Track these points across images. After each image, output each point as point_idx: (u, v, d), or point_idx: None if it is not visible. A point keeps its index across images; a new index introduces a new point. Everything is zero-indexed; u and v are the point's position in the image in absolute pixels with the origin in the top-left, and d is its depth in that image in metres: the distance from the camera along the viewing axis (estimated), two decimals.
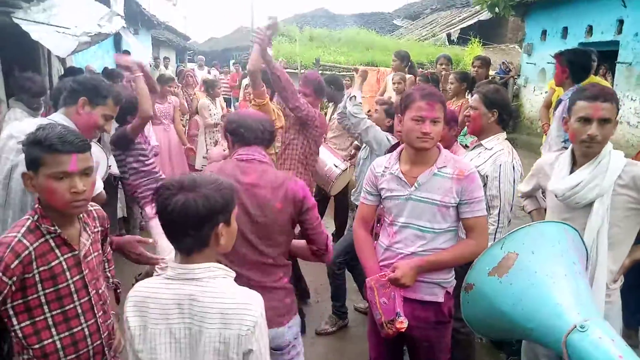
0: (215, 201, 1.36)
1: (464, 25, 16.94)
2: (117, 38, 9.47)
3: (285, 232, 2.10)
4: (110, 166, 4.37)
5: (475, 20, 16.79)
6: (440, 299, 2.22)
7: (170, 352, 1.39)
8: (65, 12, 4.61)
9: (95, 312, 1.74)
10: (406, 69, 6.47)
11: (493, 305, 1.84)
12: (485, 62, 5.39)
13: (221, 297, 1.37)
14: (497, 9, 5.44)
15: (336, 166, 4.37)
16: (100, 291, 1.79)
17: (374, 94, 8.45)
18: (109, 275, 1.99)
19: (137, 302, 1.41)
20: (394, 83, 6.07)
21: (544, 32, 10.74)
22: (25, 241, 1.57)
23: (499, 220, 2.63)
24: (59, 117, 2.26)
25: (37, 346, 1.62)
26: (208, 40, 34.62)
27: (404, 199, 2.22)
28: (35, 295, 1.59)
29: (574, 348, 1.57)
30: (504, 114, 2.78)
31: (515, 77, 11.86)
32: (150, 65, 11.79)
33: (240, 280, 1.51)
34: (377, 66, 11.98)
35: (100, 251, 1.86)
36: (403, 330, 2.10)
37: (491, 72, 12.37)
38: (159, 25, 12.67)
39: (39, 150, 1.58)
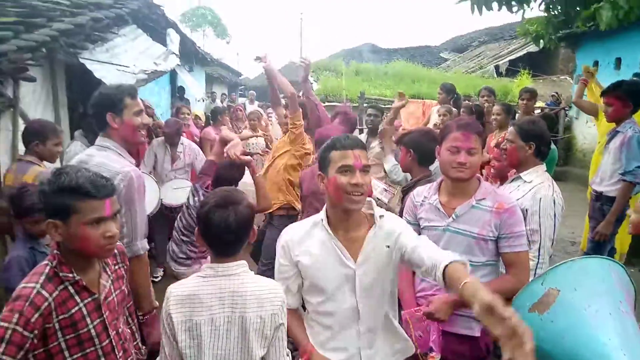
0: (251, 212, 1.73)
1: (513, 57, 16.76)
2: (173, 75, 9.95)
3: None
4: (161, 199, 4.55)
5: (524, 52, 16.58)
6: (477, 333, 2.18)
7: (211, 338, 1.66)
8: (125, 52, 4.96)
9: (117, 352, 1.74)
10: (451, 102, 6.47)
11: (534, 342, 1.79)
12: (533, 95, 5.32)
13: (254, 285, 1.71)
14: (542, 42, 5.38)
15: (386, 190, 4.38)
16: (120, 330, 1.80)
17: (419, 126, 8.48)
18: (128, 312, 1.99)
19: (180, 299, 1.66)
20: (439, 115, 6.07)
21: (596, 63, 10.47)
22: (44, 292, 1.54)
23: (539, 255, 2.56)
24: (108, 143, 2.32)
25: None
26: (259, 75, 35.76)
27: (442, 229, 2.22)
28: (55, 343, 1.58)
29: None
30: (542, 146, 2.73)
31: (567, 108, 11.55)
32: (204, 100, 12.31)
33: None
34: (423, 98, 12.01)
35: (123, 288, 1.87)
36: None
37: (542, 104, 12.14)
38: (212, 62, 13.22)
39: (70, 198, 1.55)
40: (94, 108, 2.33)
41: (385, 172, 4.71)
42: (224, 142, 3.21)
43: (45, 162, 3.25)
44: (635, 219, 3.02)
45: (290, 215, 4.13)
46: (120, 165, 2.23)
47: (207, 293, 1.66)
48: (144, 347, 2.06)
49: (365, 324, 1.85)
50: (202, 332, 1.64)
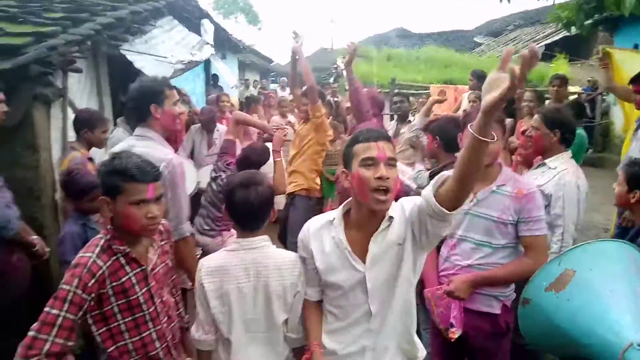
0: (271, 192, 1.95)
1: (549, 41, 16.34)
2: (207, 63, 10.19)
3: None
4: (199, 182, 4.78)
5: (560, 36, 16.14)
6: (497, 311, 2.29)
7: (239, 305, 1.88)
8: (162, 43, 5.17)
9: (161, 318, 1.93)
10: (481, 88, 6.46)
11: (549, 320, 1.90)
12: (564, 81, 5.29)
13: (276, 257, 1.91)
14: (573, 28, 5.31)
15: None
16: (164, 299, 1.98)
17: (451, 112, 8.47)
18: (173, 284, 2.17)
19: (212, 270, 1.89)
20: (469, 101, 6.08)
21: (636, 47, 10.16)
22: (99, 261, 1.74)
23: (562, 239, 2.63)
24: (149, 133, 2.46)
25: (112, 348, 1.83)
26: (290, 61, 35.76)
27: (463, 213, 2.32)
28: (109, 307, 1.78)
29: None
30: (567, 133, 2.79)
31: (604, 94, 11.27)
32: (237, 87, 12.54)
33: None
34: (455, 84, 11.92)
35: (167, 262, 2.05)
36: (453, 339, 2.20)
37: (578, 89, 11.86)
38: (244, 49, 13.43)
39: (120, 179, 1.74)
40: (137, 100, 2.45)
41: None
42: (237, 122, 3.59)
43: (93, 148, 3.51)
44: (628, 215, 3.10)
45: (310, 197, 4.42)
46: (163, 154, 2.38)
47: (233, 265, 1.88)
48: (186, 315, 2.26)
49: (376, 324, 1.80)
50: (231, 299, 1.87)
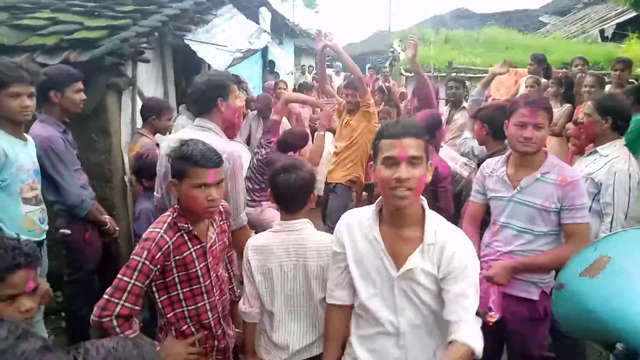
0: (311, 177, 2.11)
1: (621, 19, 15.38)
2: (264, 49, 10.44)
3: None
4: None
5: (634, 14, 15.13)
6: (535, 297, 2.36)
7: (280, 281, 2.08)
8: (223, 32, 5.42)
9: (215, 291, 2.12)
10: (542, 72, 6.30)
11: (583, 304, 1.95)
12: (627, 65, 5.09)
13: (314, 239, 2.08)
14: None
15: (466, 164, 4.53)
16: (219, 274, 2.17)
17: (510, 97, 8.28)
18: (228, 260, 2.39)
19: (257, 248, 2.11)
20: (526, 86, 5.97)
21: None
22: (166, 237, 1.94)
23: (611, 228, 2.64)
24: (209, 125, 2.57)
25: (170, 314, 2.05)
26: (347, 45, 35.66)
27: (507, 200, 2.39)
28: (171, 277, 1.99)
29: None
30: (619, 120, 2.76)
31: None
32: (293, 73, 12.77)
33: None
34: (515, 67, 11.54)
35: (225, 240, 2.24)
36: (491, 323, 2.29)
37: None
38: (301, 35, 13.59)
39: (185, 164, 1.93)
40: (205, 93, 2.55)
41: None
42: (286, 102, 3.88)
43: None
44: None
45: (351, 187, 4.62)
46: (225, 145, 2.51)
47: (276, 245, 2.07)
48: (238, 290, 2.48)
49: (405, 340, 1.73)
50: (273, 276, 2.07)
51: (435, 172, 2.86)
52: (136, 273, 1.88)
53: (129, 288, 1.87)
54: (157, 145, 3.66)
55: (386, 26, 31.18)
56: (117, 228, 3.42)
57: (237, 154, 2.59)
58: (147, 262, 1.90)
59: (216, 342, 2.18)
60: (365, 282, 1.76)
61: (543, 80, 5.87)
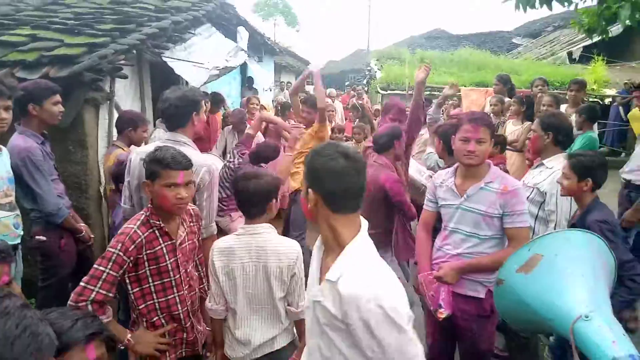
0: (270, 186, 2.21)
1: (587, 43, 16.04)
2: (243, 66, 10.63)
3: None
4: None
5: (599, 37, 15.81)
6: (482, 295, 2.56)
7: (242, 280, 2.23)
8: (200, 50, 5.61)
9: (184, 286, 2.30)
10: (506, 92, 6.63)
11: (520, 298, 2.16)
12: (581, 86, 5.44)
13: (274, 242, 2.22)
14: (595, 34, 5.40)
15: (430, 177, 4.77)
16: (188, 270, 2.35)
17: None
18: (198, 262, 2.54)
19: (221, 250, 2.26)
20: (491, 105, 6.29)
21: None
22: (139, 231, 2.13)
23: None
24: (183, 139, 2.67)
25: (142, 306, 2.22)
26: (327, 63, 36.13)
27: (455, 207, 2.61)
28: (143, 270, 2.17)
29: (578, 334, 1.87)
30: (559, 135, 3.02)
31: None
32: (271, 90, 12.99)
33: None
34: (487, 86, 11.96)
35: (194, 240, 2.41)
36: (441, 319, 2.49)
37: (613, 92, 11.70)
38: (281, 52, 13.90)
39: (158, 166, 2.12)
40: (180, 108, 2.65)
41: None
42: (261, 120, 4.28)
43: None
44: (627, 216, 3.31)
45: None
46: (203, 159, 2.66)
47: (238, 247, 2.23)
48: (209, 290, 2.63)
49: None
50: (236, 276, 2.22)
51: (381, 187, 3.12)
52: (111, 263, 2.06)
53: (103, 276, 2.05)
54: None
55: (365, 45, 31.82)
56: (92, 236, 3.53)
57: (215, 167, 2.75)
58: (121, 254, 2.08)
59: (185, 335, 2.34)
60: None
61: (506, 99, 6.19)
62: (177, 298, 2.28)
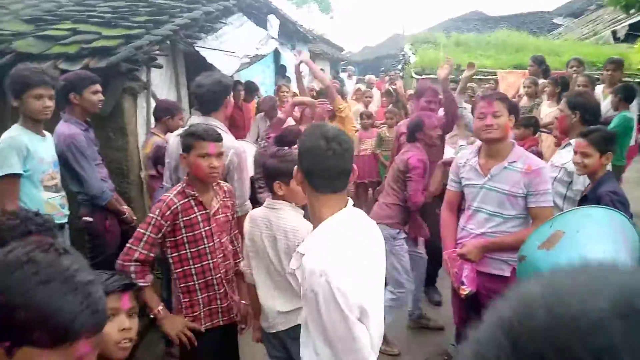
0: (275, 167, 2.35)
1: (633, 20, 15.35)
2: (276, 55, 10.75)
3: None
4: None
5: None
6: (507, 274, 2.59)
7: (261, 249, 2.36)
8: (231, 39, 5.74)
9: (217, 254, 2.47)
10: (541, 73, 6.49)
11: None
12: (619, 65, 5.28)
13: (287, 220, 2.31)
14: (633, 10, 5.22)
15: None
16: (222, 240, 2.53)
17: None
18: (234, 237, 2.70)
19: (250, 217, 2.43)
20: (524, 87, 6.18)
21: None
22: (175, 199, 2.35)
23: None
24: (216, 122, 2.86)
25: (179, 270, 2.42)
26: (363, 49, 35.85)
27: (479, 187, 2.64)
28: (180, 237, 2.38)
29: None
30: (586, 114, 2.99)
31: None
32: (304, 77, 13.03)
33: None
34: (524, 69, 11.67)
35: (228, 215, 2.58)
36: (463, 296, 2.53)
37: None
38: (314, 39, 13.92)
39: (192, 138, 2.36)
40: (216, 93, 2.91)
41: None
42: (294, 105, 4.41)
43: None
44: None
45: None
46: (231, 142, 2.85)
47: (260, 218, 2.38)
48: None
49: None
50: (257, 243, 2.38)
51: (406, 162, 3.11)
52: (150, 227, 2.30)
53: (144, 238, 2.29)
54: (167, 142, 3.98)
55: (401, 30, 31.35)
56: (135, 218, 3.74)
57: (242, 149, 2.95)
58: (159, 218, 2.31)
59: (219, 302, 2.52)
60: None
61: (541, 81, 6.06)
62: (211, 264, 2.46)
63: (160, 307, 2.37)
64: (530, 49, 14.10)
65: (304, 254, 1.54)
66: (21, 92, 2.80)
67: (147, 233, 2.29)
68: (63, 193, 3.11)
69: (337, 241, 1.53)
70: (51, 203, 2.96)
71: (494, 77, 12.04)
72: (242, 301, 2.69)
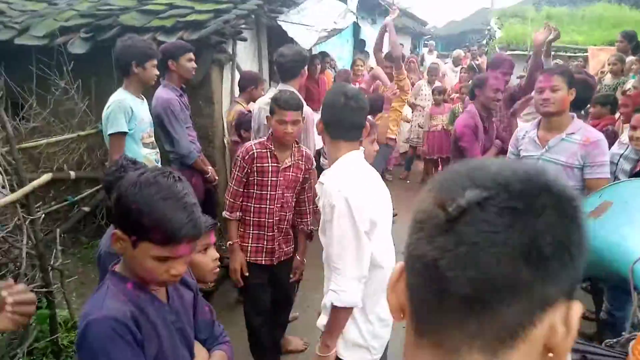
0: None
1: None
2: (356, 29, 10.86)
3: None
4: None
5: None
6: None
7: None
8: (312, 13, 5.99)
9: (275, 202, 2.85)
10: (630, 50, 6.17)
11: None
12: None
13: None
14: None
15: None
16: (286, 194, 2.87)
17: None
18: (307, 199, 3.04)
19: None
20: (609, 64, 5.93)
21: None
22: (254, 147, 2.79)
23: None
24: (292, 89, 3.25)
25: (244, 204, 2.88)
26: (448, 23, 34.62)
27: (536, 158, 2.74)
28: (252, 178, 2.82)
29: (638, 275, 2.00)
30: None
31: None
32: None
33: None
34: None
35: (299, 175, 2.90)
36: None
37: None
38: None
39: (275, 104, 2.76)
40: (297, 62, 3.42)
41: None
42: (374, 77, 4.64)
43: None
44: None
45: (387, 144, 5.44)
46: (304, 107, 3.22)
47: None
48: (312, 227, 3.11)
49: None
50: None
51: (454, 132, 3.28)
52: (238, 168, 2.84)
53: (234, 176, 2.86)
54: (249, 111, 4.35)
55: (489, 3, 29.92)
56: (217, 177, 4.17)
57: (309, 112, 3.31)
58: (241, 160, 2.81)
59: (265, 243, 2.91)
60: None
61: (629, 58, 5.79)
62: (267, 209, 2.87)
63: (236, 240, 2.85)
64: (630, 24, 13.08)
65: (322, 183, 1.92)
66: (144, 61, 3.29)
67: (237, 173, 2.84)
68: (157, 150, 3.58)
69: (351, 169, 1.90)
70: (148, 158, 3.43)
71: (584, 54, 11.39)
72: (298, 257, 3.07)
